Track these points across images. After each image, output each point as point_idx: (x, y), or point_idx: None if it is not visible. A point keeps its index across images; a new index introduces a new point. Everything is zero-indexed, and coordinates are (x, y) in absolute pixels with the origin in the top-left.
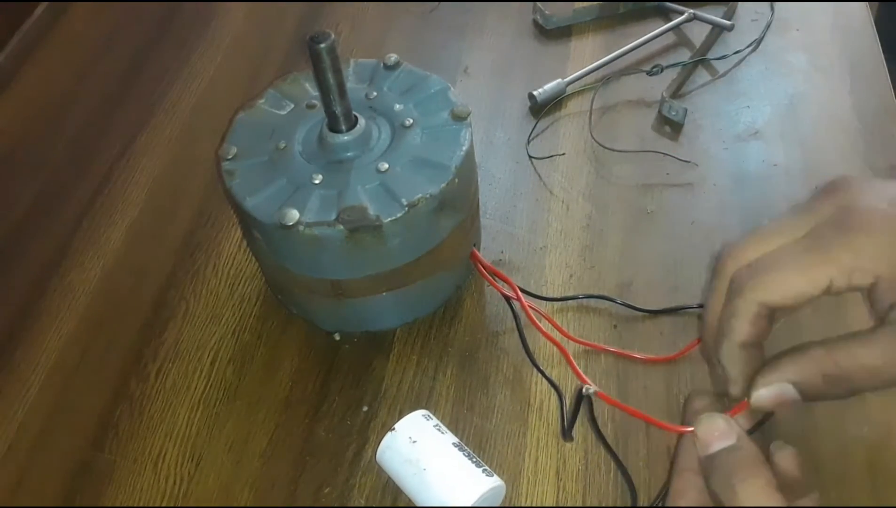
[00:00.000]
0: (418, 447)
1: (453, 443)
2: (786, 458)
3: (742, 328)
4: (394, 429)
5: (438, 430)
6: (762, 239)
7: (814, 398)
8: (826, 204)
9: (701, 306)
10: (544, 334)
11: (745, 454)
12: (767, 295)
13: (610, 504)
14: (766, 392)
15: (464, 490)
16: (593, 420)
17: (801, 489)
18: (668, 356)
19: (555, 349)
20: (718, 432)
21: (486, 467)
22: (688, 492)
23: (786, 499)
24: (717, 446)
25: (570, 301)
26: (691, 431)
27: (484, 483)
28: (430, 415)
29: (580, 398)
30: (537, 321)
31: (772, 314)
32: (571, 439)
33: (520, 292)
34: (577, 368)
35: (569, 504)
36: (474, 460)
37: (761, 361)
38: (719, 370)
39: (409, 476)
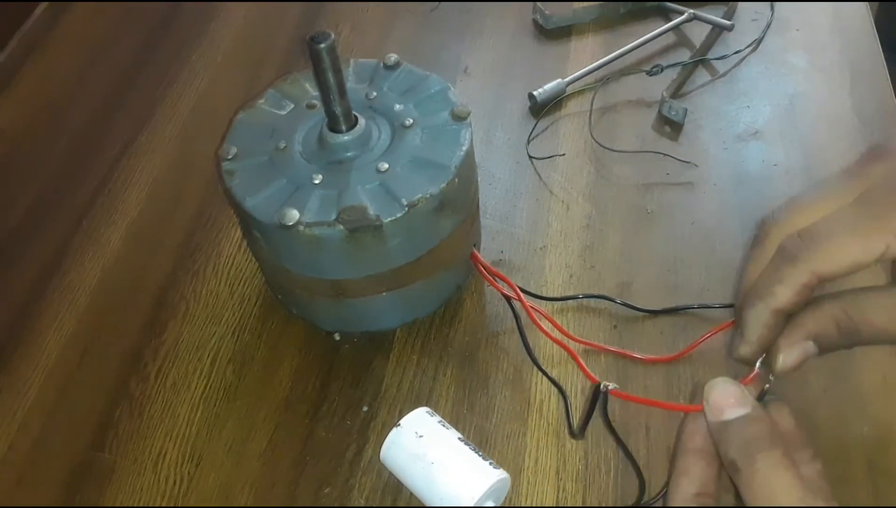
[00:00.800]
0: (425, 441)
1: (458, 438)
2: (782, 415)
3: (785, 295)
4: (399, 425)
5: (443, 426)
6: (810, 206)
7: (828, 348)
8: (875, 168)
9: (701, 306)
10: (545, 333)
11: (763, 424)
12: (822, 264)
13: (610, 504)
14: (791, 354)
15: (472, 482)
16: (606, 417)
17: (801, 444)
18: (668, 356)
19: (555, 349)
20: (734, 398)
21: (492, 460)
22: (691, 471)
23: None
24: (731, 413)
25: (569, 301)
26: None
27: (491, 475)
28: (433, 412)
29: (597, 395)
30: (538, 321)
31: (818, 284)
32: (583, 437)
33: (520, 292)
34: (584, 365)
35: (569, 504)
36: (480, 454)
37: (780, 332)
38: (737, 333)
39: (416, 471)
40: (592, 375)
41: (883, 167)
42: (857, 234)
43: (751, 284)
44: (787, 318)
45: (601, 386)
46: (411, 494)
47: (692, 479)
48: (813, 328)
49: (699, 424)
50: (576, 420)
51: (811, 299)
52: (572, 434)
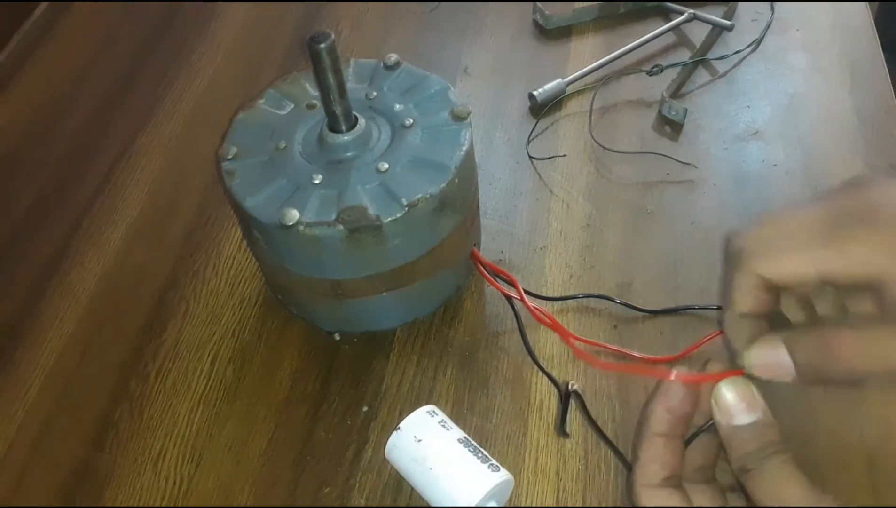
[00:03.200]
0: (423, 445)
1: (458, 439)
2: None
3: (741, 299)
4: (399, 428)
5: (444, 426)
6: (772, 221)
7: (809, 378)
8: (847, 197)
9: (701, 307)
10: (549, 325)
11: (773, 430)
12: (768, 271)
13: (610, 504)
14: (760, 359)
15: (469, 488)
16: (587, 415)
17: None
18: (669, 356)
19: (555, 349)
20: (745, 403)
21: (493, 461)
22: (660, 457)
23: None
24: (742, 419)
25: (569, 301)
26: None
27: (490, 479)
28: (436, 410)
29: (567, 395)
30: (542, 318)
31: (773, 290)
32: (566, 435)
33: (521, 289)
34: (567, 330)
35: (569, 504)
36: (480, 455)
37: (759, 335)
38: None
39: (417, 475)
40: (598, 361)
41: (854, 198)
42: (805, 247)
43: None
44: (761, 320)
45: (568, 386)
46: (411, 493)
47: (663, 464)
48: (790, 345)
49: (667, 406)
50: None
51: (770, 303)
52: (560, 432)
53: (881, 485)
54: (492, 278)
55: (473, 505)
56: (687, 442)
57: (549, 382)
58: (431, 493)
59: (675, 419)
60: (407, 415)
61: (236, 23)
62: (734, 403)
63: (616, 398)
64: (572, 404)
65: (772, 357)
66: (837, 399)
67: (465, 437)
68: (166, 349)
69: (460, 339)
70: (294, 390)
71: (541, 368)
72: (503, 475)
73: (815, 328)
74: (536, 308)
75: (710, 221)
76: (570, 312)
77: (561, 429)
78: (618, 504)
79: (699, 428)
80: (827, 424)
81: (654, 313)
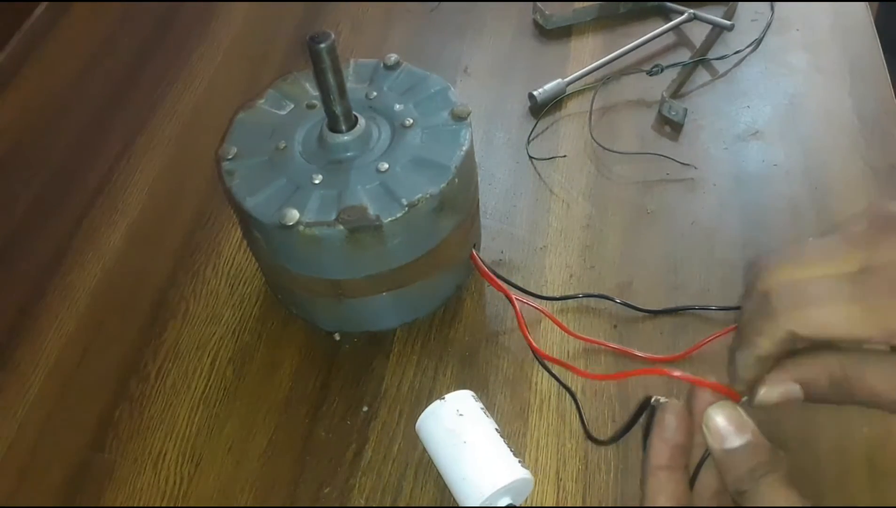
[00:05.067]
0: (464, 420)
1: (496, 429)
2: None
3: (765, 346)
4: (443, 398)
5: (484, 413)
6: (806, 263)
7: (816, 399)
8: (882, 242)
9: (701, 307)
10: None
11: (765, 450)
12: (800, 328)
13: (610, 504)
14: (773, 391)
15: (497, 472)
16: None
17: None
18: (670, 356)
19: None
20: (735, 425)
21: (522, 459)
22: (666, 488)
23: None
24: (733, 441)
25: (569, 301)
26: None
27: (517, 472)
28: (478, 398)
29: (643, 408)
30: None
31: (798, 340)
32: (607, 444)
33: (512, 294)
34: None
35: (569, 504)
36: (513, 449)
37: (765, 372)
38: (731, 365)
39: (447, 446)
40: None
41: (882, 246)
42: (846, 314)
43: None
44: (776, 360)
45: (652, 400)
46: (411, 493)
47: (668, 496)
48: (803, 374)
49: (662, 438)
50: (588, 423)
51: (802, 346)
52: (594, 440)
53: (881, 485)
54: (493, 278)
55: (493, 490)
56: (695, 470)
57: (549, 382)
58: (455, 467)
59: (672, 451)
60: (404, 414)
61: (236, 23)
62: (724, 426)
63: (616, 398)
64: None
65: (784, 395)
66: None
67: (500, 430)
68: (166, 349)
69: (460, 339)
70: (294, 390)
71: (549, 372)
72: (527, 473)
73: (823, 358)
74: (534, 306)
75: (710, 221)
76: (570, 312)
77: (613, 440)
78: (618, 504)
79: (703, 456)
80: (827, 424)
81: (654, 313)
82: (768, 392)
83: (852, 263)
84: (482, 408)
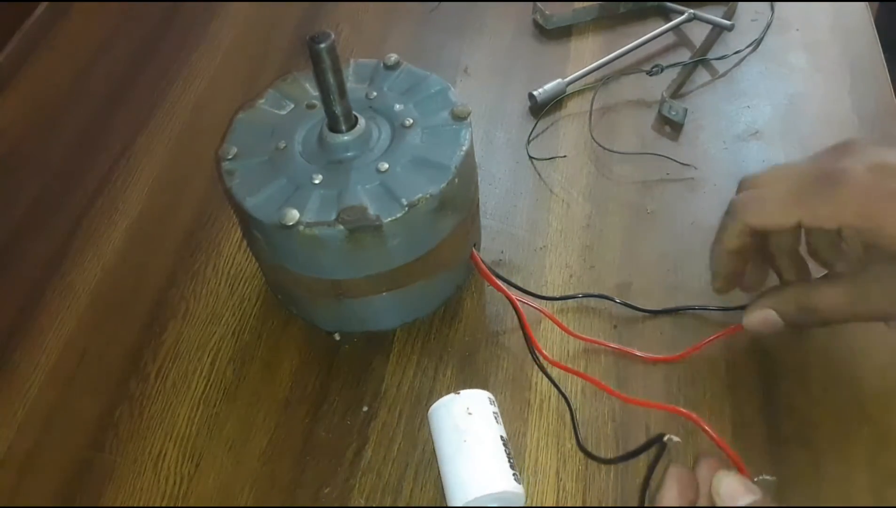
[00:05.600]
0: (471, 420)
1: (501, 436)
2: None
3: (730, 240)
4: (458, 393)
5: (495, 418)
6: (765, 176)
7: (792, 324)
8: (828, 160)
9: (701, 308)
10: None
11: (771, 505)
12: (750, 218)
13: (610, 504)
14: (755, 318)
15: (487, 478)
16: (653, 468)
17: None
18: (670, 356)
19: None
20: (742, 488)
21: (518, 474)
22: None
23: None
24: (745, 499)
25: (569, 301)
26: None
27: (506, 483)
28: (494, 401)
29: (652, 443)
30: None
31: (756, 234)
32: (605, 463)
33: (513, 295)
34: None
35: (569, 504)
36: (511, 461)
37: (742, 266)
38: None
39: (449, 441)
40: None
41: (831, 160)
42: (781, 203)
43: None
44: (742, 256)
45: (665, 438)
46: (411, 493)
47: None
48: (776, 302)
49: (670, 498)
50: (581, 430)
51: (751, 244)
52: (592, 457)
53: (881, 485)
54: (493, 278)
55: (480, 494)
56: None
57: (549, 382)
58: (451, 465)
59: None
60: (404, 414)
61: (236, 23)
62: (735, 488)
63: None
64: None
65: (763, 319)
66: (837, 399)
67: (506, 439)
68: (166, 349)
69: (460, 339)
70: (294, 390)
71: (549, 379)
72: (519, 488)
73: (791, 289)
74: (533, 306)
75: (710, 221)
76: (570, 312)
77: (609, 460)
78: (618, 504)
79: None
80: (827, 424)
81: (654, 313)
82: (749, 318)
83: (801, 172)
84: (495, 412)
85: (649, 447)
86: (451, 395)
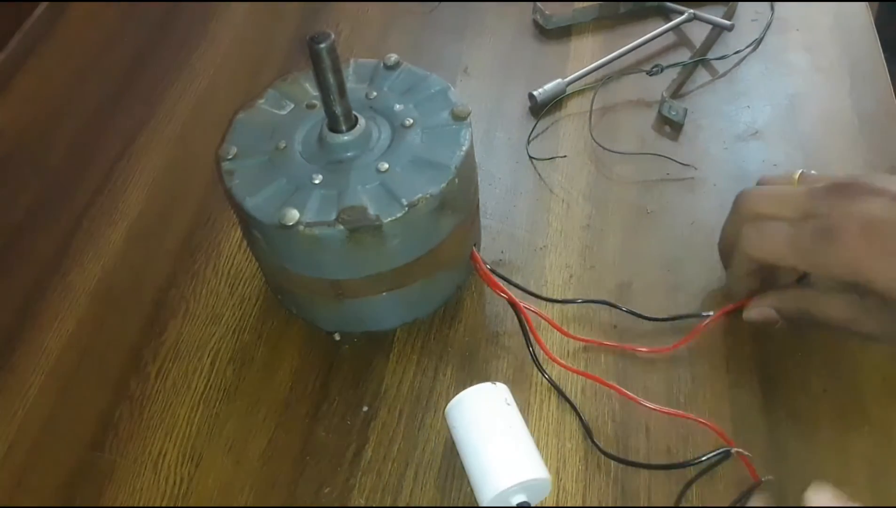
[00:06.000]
0: (512, 410)
1: (530, 432)
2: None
3: (738, 268)
4: (495, 384)
5: (521, 415)
6: (775, 201)
7: (788, 318)
8: (827, 199)
9: (706, 314)
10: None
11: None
12: (753, 253)
13: (610, 504)
14: (755, 312)
15: (535, 462)
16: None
17: None
18: (666, 347)
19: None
20: (832, 495)
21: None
22: None
23: None
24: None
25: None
26: None
27: (544, 470)
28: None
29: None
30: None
31: (763, 264)
32: (645, 468)
33: (514, 297)
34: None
35: (569, 504)
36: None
37: (757, 282)
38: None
39: (493, 426)
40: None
41: (834, 207)
42: (779, 247)
43: (727, 236)
44: (756, 276)
45: (732, 450)
46: (411, 493)
47: None
48: (777, 302)
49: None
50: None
51: (764, 268)
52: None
53: (881, 485)
54: (494, 280)
55: (530, 478)
56: None
57: (549, 382)
58: (492, 444)
59: None
60: (404, 414)
61: (236, 23)
62: (825, 500)
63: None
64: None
65: (764, 316)
66: (837, 399)
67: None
68: (166, 349)
69: (460, 339)
70: (294, 390)
71: (553, 385)
72: (548, 477)
73: (792, 291)
74: (532, 309)
75: (710, 221)
76: (571, 312)
77: (656, 466)
78: (618, 504)
79: None
80: (827, 424)
81: (656, 320)
82: (750, 311)
83: (800, 210)
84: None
85: (716, 458)
86: (489, 383)
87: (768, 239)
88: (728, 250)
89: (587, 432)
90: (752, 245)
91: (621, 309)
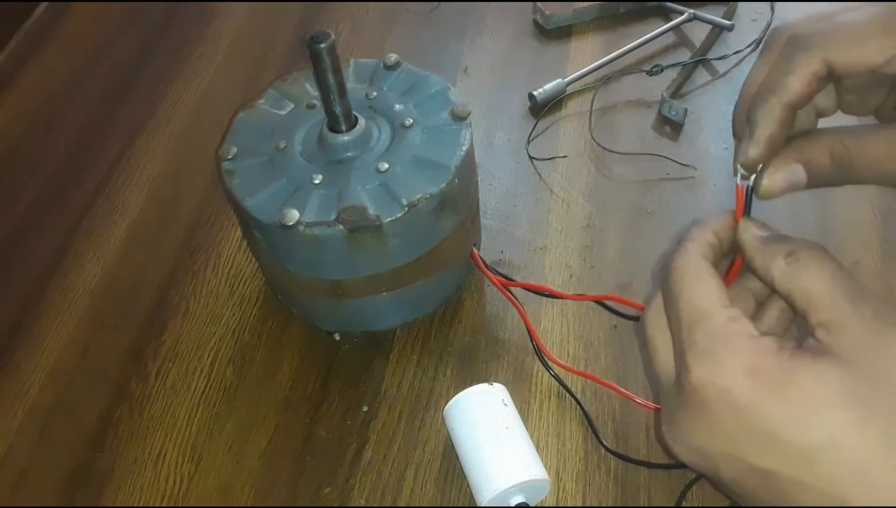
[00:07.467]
0: (508, 410)
1: (529, 435)
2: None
3: (796, 86)
4: (492, 384)
5: (520, 416)
6: (830, 16)
7: (819, 180)
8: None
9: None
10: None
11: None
12: (836, 53)
13: (610, 504)
14: (780, 176)
15: (534, 463)
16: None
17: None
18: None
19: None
20: (763, 228)
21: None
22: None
23: None
24: (764, 232)
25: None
26: None
27: (543, 471)
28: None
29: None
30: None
31: (828, 78)
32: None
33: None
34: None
35: (569, 504)
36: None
37: (788, 134)
38: (745, 135)
39: (487, 427)
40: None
41: None
42: (878, 32)
43: (752, 85)
44: (793, 119)
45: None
46: (411, 493)
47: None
48: (806, 154)
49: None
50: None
51: (816, 93)
52: (605, 449)
53: None
54: (494, 278)
55: (528, 478)
56: None
57: (549, 382)
58: (491, 446)
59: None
60: (404, 414)
61: (236, 23)
62: (756, 229)
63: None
64: None
65: (789, 178)
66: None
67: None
68: (166, 349)
69: (460, 339)
70: (294, 390)
71: (560, 382)
72: (547, 477)
73: (824, 137)
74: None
75: None
76: (571, 311)
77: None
78: (618, 504)
79: None
80: None
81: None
82: (773, 177)
83: (876, 12)
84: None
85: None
86: (486, 384)
87: (855, 28)
88: (757, 101)
89: (592, 429)
90: (828, 39)
91: (621, 311)
